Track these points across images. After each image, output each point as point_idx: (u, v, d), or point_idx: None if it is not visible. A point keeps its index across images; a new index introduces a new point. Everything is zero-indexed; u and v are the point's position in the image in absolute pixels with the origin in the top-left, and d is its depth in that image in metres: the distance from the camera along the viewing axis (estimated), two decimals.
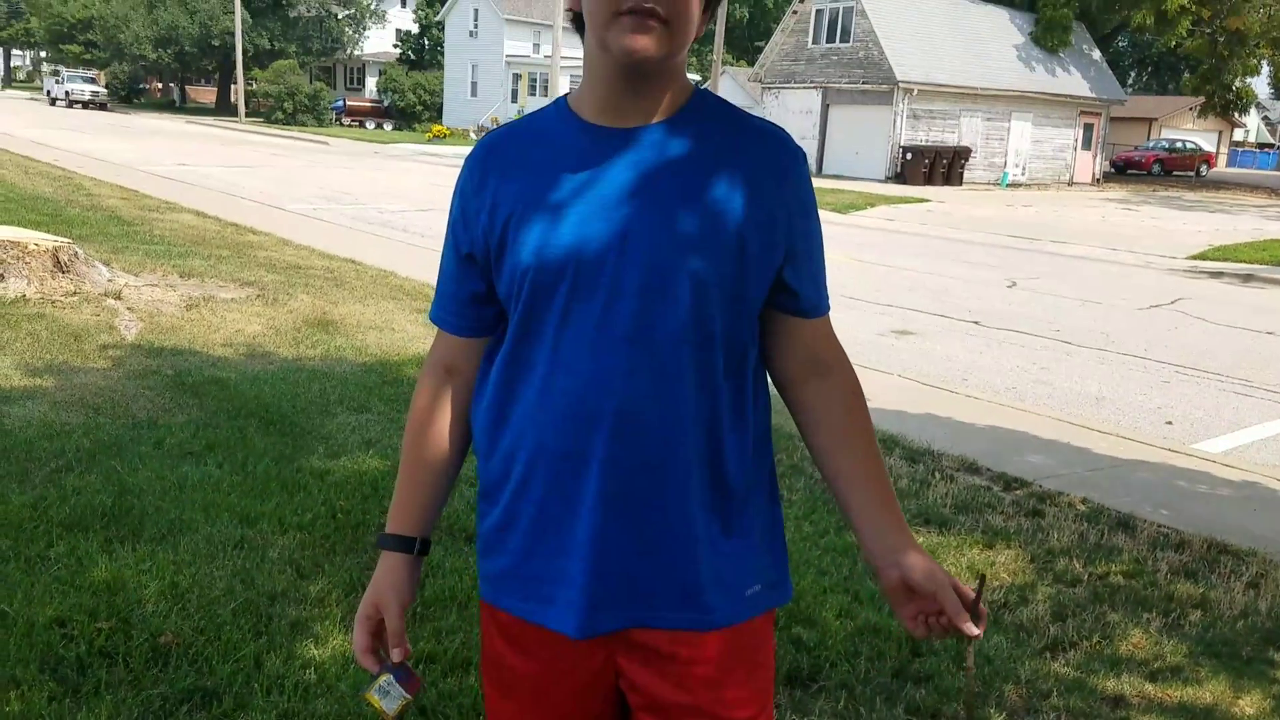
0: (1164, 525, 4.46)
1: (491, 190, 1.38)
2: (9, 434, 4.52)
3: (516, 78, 47.44)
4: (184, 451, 4.48)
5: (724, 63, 39.89)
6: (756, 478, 1.44)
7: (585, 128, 1.37)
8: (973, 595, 1.36)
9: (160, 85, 67.05)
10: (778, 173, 1.38)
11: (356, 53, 59.67)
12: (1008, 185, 34.25)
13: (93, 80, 54.12)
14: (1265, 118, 67.40)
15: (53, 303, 7.21)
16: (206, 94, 65.53)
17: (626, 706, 1.45)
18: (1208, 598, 3.73)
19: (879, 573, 1.41)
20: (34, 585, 3.17)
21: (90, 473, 4.12)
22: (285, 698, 2.71)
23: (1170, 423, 6.55)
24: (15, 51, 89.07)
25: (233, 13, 48.98)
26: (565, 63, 30.43)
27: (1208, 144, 49.88)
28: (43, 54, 74.59)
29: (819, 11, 33.56)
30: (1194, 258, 16.24)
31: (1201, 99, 35.83)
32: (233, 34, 48.94)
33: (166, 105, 61.63)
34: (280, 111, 47.11)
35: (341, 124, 48.71)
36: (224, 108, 56.28)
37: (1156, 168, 44.76)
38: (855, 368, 1.50)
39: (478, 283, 1.43)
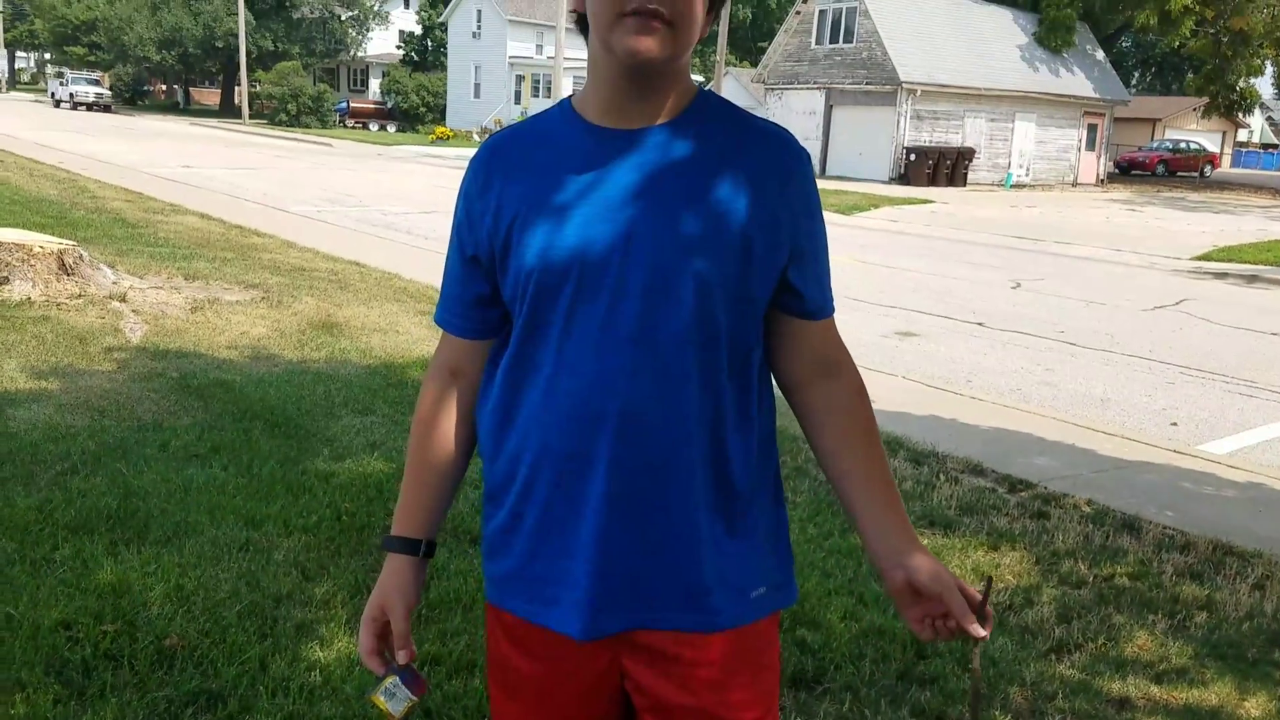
0: (1169, 527, 4.45)
1: (496, 192, 1.38)
2: (14, 437, 4.53)
3: (519, 79, 47.49)
4: (189, 454, 4.48)
5: (727, 63, 39.89)
6: (761, 479, 1.44)
7: (589, 129, 1.37)
8: (979, 597, 1.36)
9: (164, 87, 67.20)
10: (782, 173, 1.38)
11: (360, 54, 59.75)
12: (1011, 186, 34.22)
13: (97, 82, 54.22)
14: (1269, 118, 67.27)
15: (58, 305, 7.23)
16: (210, 96, 65.66)
17: (632, 708, 1.45)
18: (1213, 599, 3.73)
19: (884, 575, 1.41)
20: (39, 588, 3.18)
21: (95, 475, 4.13)
22: (290, 700, 2.71)
23: (1175, 424, 6.54)
24: (20, 53, 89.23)
25: (236, 14, 49.04)
26: (568, 64, 30.46)
27: (1211, 145, 49.82)
28: (47, 56, 74.77)
29: (822, 12, 33.54)
30: (1198, 259, 16.22)
31: (1205, 99, 35.77)
32: (236, 36, 48.99)
33: (170, 107, 61.75)
34: (284, 113, 47.19)
35: (345, 126, 48.78)
36: (228, 110, 56.37)
37: (1160, 168, 44.70)
38: (859, 369, 1.49)
39: (483, 285, 1.43)
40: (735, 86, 41.16)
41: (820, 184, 1.49)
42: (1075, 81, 36.47)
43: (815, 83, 33.97)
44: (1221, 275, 14.63)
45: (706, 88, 1.45)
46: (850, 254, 13.87)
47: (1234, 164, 58.62)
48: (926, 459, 5.15)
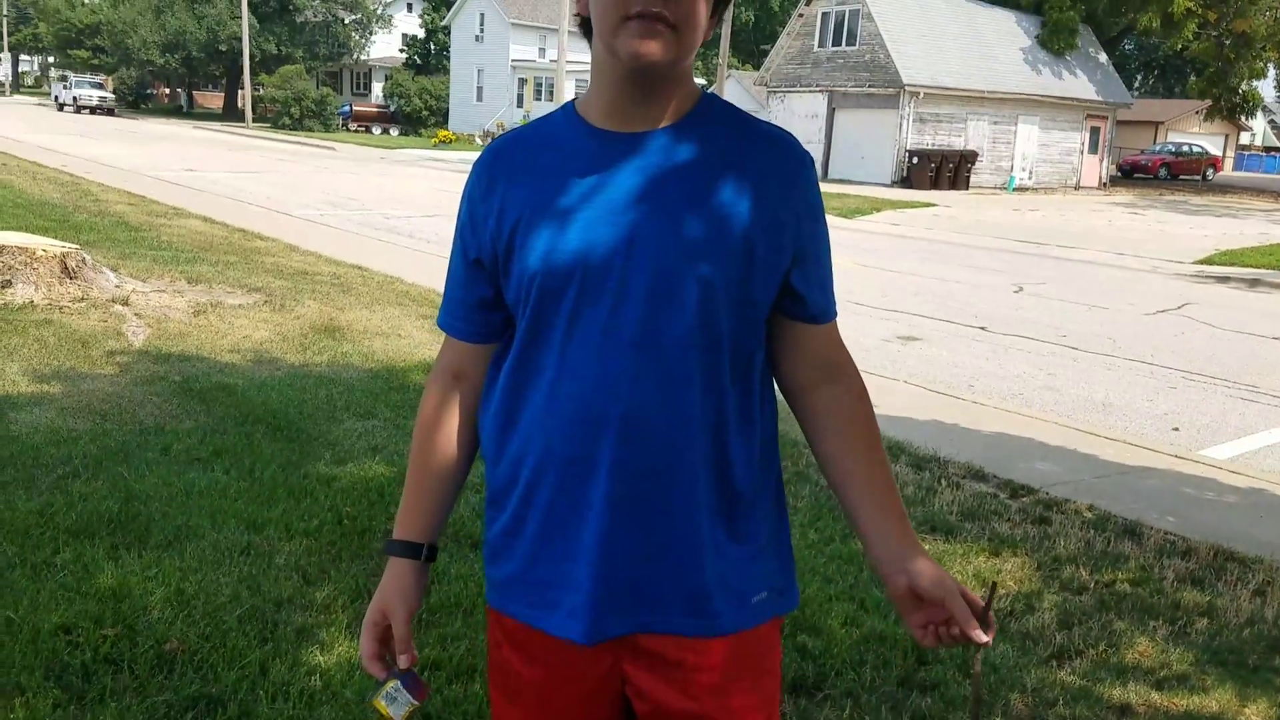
0: (1170, 532, 4.45)
1: (499, 195, 1.38)
2: (16, 440, 4.53)
3: (522, 82, 47.52)
4: (191, 458, 4.48)
5: (729, 66, 39.92)
6: (763, 483, 1.44)
7: (593, 132, 1.37)
8: (982, 603, 1.35)
9: (168, 90, 67.32)
10: (785, 177, 1.38)
11: (363, 58, 59.85)
12: (1014, 189, 34.22)
13: (100, 85, 54.32)
14: (1271, 121, 67.18)
15: (60, 309, 7.23)
16: (214, 99, 65.75)
17: (632, 713, 1.45)
18: (1214, 605, 3.72)
19: (886, 580, 1.40)
20: (40, 592, 3.17)
21: (97, 479, 4.13)
22: (290, 705, 2.71)
23: (1177, 429, 6.53)
24: (23, 57, 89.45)
25: (240, 18, 49.15)
26: (571, 67, 30.47)
27: (1214, 147, 49.81)
28: (50, 59, 74.98)
29: (825, 15, 33.55)
30: (1200, 262, 16.22)
31: (1208, 102, 35.75)
32: (240, 39, 49.10)
33: (174, 110, 61.85)
34: (287, 117, 47.23)
35: (348, 129, 48.81)
36: (231, 113, 56.45)
37: (1163, 171, 44.69)
38: (861, 374, 1.49)
39: (486, 288, 1.43)
40: (737, 89, 41.18)
41: (822, 187, 1.48)
42: (1078, 84, 36.48)
43: (818, 85, 33.98)
44: (1223, 279, 14.62)
45: (709, 91, 1.45)
46: (852, 258, 13.87)
47: (1236, 167, 58.59)
48: (928, 464, 5.14)
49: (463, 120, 48.66)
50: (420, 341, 7.14)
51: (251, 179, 20.70)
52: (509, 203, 1.37)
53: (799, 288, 1.40)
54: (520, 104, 46.90)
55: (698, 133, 1.37)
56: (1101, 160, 38.17)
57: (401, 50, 61.11)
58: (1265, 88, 42.69)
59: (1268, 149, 64.58)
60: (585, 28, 1.37)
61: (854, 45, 32.77)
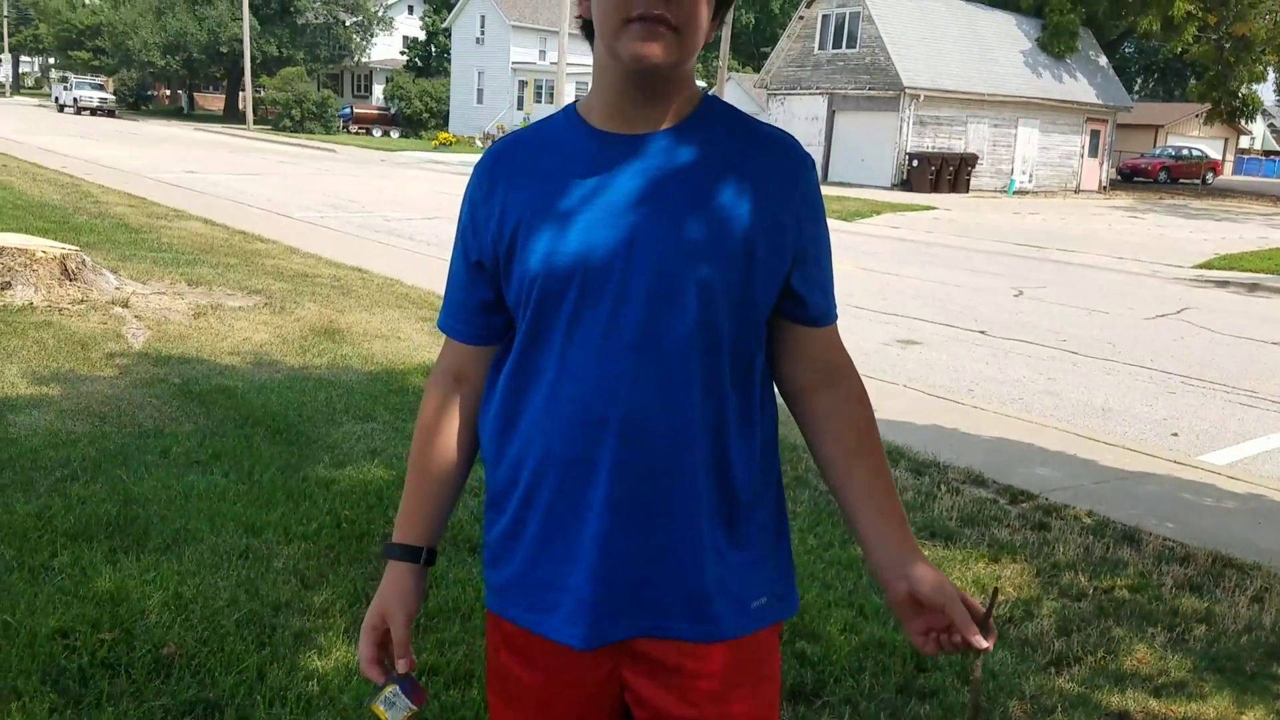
0: (1169, 538, 4.44)
1: (500, 197, 1.38)
2: (15, 442, 4.53)
3: (523, 84, 47.55)
4: (190, 460, 4.48)
5: (730, 69, 39.92)
6: (763, 486, 1.43)
7: (594, 134, 1.37)
8: (982, 609, 1.35)
9: (168, 92, 67.38)
10: (786, 179, 1.38)
11: (364, 60, 59.88)
12: (1014, 193, 34.23)
13: (101, 87, 54.33)
14: (1271, 125, 67.23)
15: (60, 310, 7.23)
16: (214, 101, 65.79)
17: (631, 718, 1.44)
18: (1212, 612, 3.71)
19: (886, 585, 1.40)
20: (37, 595, 3.17)
21: (95, 482, 4.13)
22: (288, 710, 2.70)
23: (1176, 434, 6.53)
24: (24, 58, 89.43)
25: (241, 20, 49.16)
26: (571, 69, 30.50)
27: (1214, 151, 49.87)
28: (51, 60, 75.03)
29: (825, 17, 33.59)
30: (1200, 266, 16.22)
31: (1208, 106, 35.79)
32: (241, 41, 49.11)
33: (174, 112, 61.88)
34: (288, 119, 47.24)
35: (349, 131, 48.83)
36: (232, 115, 56.47)
37: (1163, 175, 44.70)
38: (860, 377, 1.49)
39: (487, 290, 1.43)
40: (738, 91, 41.21)
41: (822, 190, 1.49)
42: (1078, 87, 36.51)
43: (818, 88, 34.01)
44: (1223, 283, 14.62)
45: (709, 93, 1.45)
46: (852, 261, 13.87)
47: (1236, 171, 58.65)
48: (928, 469, 5.14)
49: (463, 122, 48.68)
50: (420, 344, 7.14)
51: (252, 181, 20.70)
52: (510, 205, 1.37)
53: (800, 290, 1.40)
54: (520, 106, 46.92)
55: (699, 135, 1.37)
56: (1101, 164, 38.20)
57: (402, 52, 61.14)
58: (1265, 91, 42.73)
59: (1267, 153, 64.64)
60: (587, 29, 1.37)
61: (854, 48, 32.80)
